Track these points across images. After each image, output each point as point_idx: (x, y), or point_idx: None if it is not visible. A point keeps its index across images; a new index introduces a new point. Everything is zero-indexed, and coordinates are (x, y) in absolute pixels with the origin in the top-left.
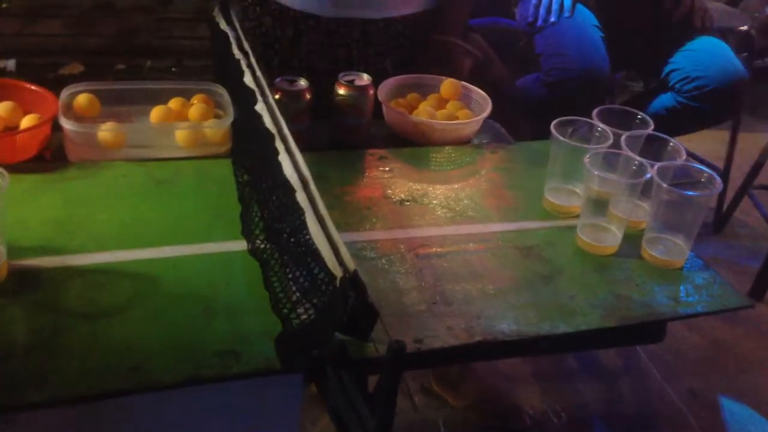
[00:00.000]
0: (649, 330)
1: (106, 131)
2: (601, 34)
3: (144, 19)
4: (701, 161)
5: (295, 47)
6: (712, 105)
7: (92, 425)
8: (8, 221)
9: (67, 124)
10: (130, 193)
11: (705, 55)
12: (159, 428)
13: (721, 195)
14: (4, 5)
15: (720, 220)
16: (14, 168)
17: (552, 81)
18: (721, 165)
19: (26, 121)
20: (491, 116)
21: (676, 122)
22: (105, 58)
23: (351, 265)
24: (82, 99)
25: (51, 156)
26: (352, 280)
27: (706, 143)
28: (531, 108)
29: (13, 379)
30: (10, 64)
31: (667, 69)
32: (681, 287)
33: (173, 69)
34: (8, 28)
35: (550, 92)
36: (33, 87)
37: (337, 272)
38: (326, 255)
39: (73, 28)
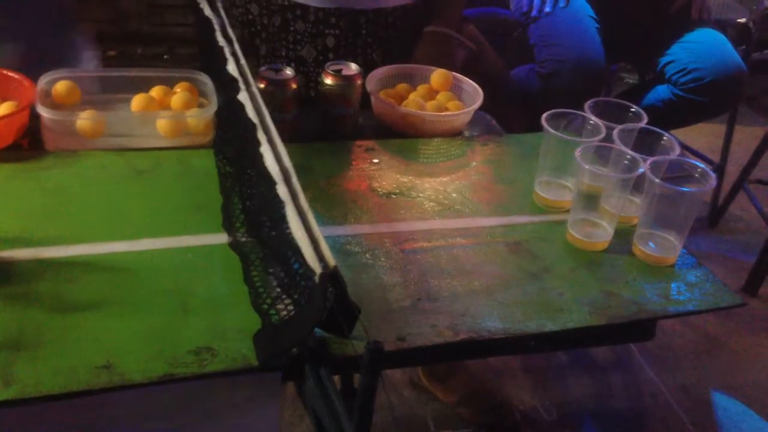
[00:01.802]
0: (639, 328)
1: (84, 119)
2: (597, 25)
3: (136, 5)
4: (697, 155)
5: (283, 36)
6: (709, 98)
7: (64, 421)
8: None
9: (44, 111)
10: (108, 183)
11: (702, 47)
12: (134, 424)
13: (717, 189)
14: None
15: (715, 215)
16: None
17: (546, 72)
18: (717, 159)
19: (2, 109)
20: (484, 108)
21: (672, 115)
22: (100, 71)
23: (331, 260)
24: (61, 86)
25: (28, 145)
26: (332, 276)
27: (703, 136)
28: (525, 99)
29: None
30: None
31: (663, 61)
32: (672, 285)
33: (165, 56)
34: None
35: (544, 83)
36: (10, 73)
37: (317, 268)
38: (306, 250)
39: (60, 15)
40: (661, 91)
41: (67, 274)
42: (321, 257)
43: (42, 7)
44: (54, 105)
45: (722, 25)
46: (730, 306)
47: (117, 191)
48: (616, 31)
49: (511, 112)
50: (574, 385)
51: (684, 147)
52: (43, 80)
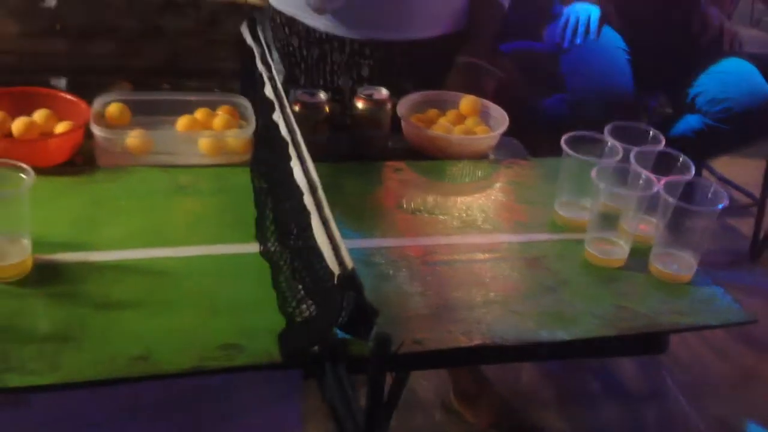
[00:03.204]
0: (650, 342)
1: (133, 138)
2: (627, 57)
3: (190, 42)
4: (738, 189)
5: (321, 67)
6: (738, 127)
7: (100, 408)
8: (37, 219)
9: (97, 130)
10: (152, 196)
11: (731, 77)
12: (166, 414)
13: (758, 222)
14: (57, 27)
15: (757, 248)
16: (47, 171)
17: (575, 100)
18: (758, 193)
19: (60, 128)
20: (512, 134)
21: (703, 144)
22: (152, 78)
23: (349, 263)
24: (113, 108)
25: (82, 161)
26: (349, 277)
27: (745, 171)
28: (555, 127)
29: (29, 362)
30: (62, 82)
31: (693, 92)
32: (685, 301)
33: (216, 90)
34: (61, 48)
35: (574, 111)
36: (68, 96)
37: (336, 270)
38: (327, 254)
39: (122, 49)
40: (691, 121)
41: (111, 275)
42: (341, 261)
43: None
44: (106, 125)
45: (757, 58)
46: (741, 322)
47: (160, 204)
48: (648, 63)
49: (541, 138)
50: (607, 415)
51: (725, 181)
52: (98, 102)
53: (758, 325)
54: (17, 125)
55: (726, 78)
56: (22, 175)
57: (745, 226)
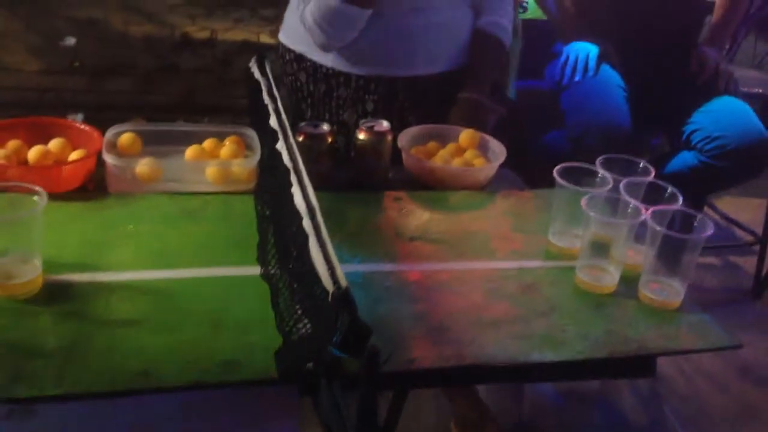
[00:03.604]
0: (638, 365)
1: (143, 166)
2: (625, 94)
3: (205, 79)
4: (740, 227)
5: (327, 101)
6: (733, 164)
7: (104, 422)
8: (49, 241)
9: (109, 158)
10: (160, 221)
11: (725, 116)
12: (167, 427)
13: (761, 260)
14: (75, 64)
15: (759, 286)
16: (60, 197)
17: (574, 136)
18: (760, 231)
19: (74, 156)
20: (513, 169)
21: (697, 181)
22: (167, 115)
23: (343, 282)
24: (125, 138)
25: (93, 187)
26: (343, 296)
27: (748, 210)
28: (555, 162)
29: (36, 374)
30: (78, 118)
31: (688, 129)
32: (673, 326)
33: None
34: (78, 85)
35: (573, 147)
36: (82, 126)
37: (331, 288)
38: (323, 274)
39: (139, 86)
40: (687, 158)
41: (117, 295)
42: (335, 281)
43: None
44: (118, 153)
45: (751, 98)
46: (727, 347)
47: (167, 229)
48: (645, 100)
49: (540, 172)
50: None
51: (728, 219)
52: (110, 132)
53: (760, 361)
54: (33, 153)
55: (720, 116)
56: (36, 198)
57: (748, 264)
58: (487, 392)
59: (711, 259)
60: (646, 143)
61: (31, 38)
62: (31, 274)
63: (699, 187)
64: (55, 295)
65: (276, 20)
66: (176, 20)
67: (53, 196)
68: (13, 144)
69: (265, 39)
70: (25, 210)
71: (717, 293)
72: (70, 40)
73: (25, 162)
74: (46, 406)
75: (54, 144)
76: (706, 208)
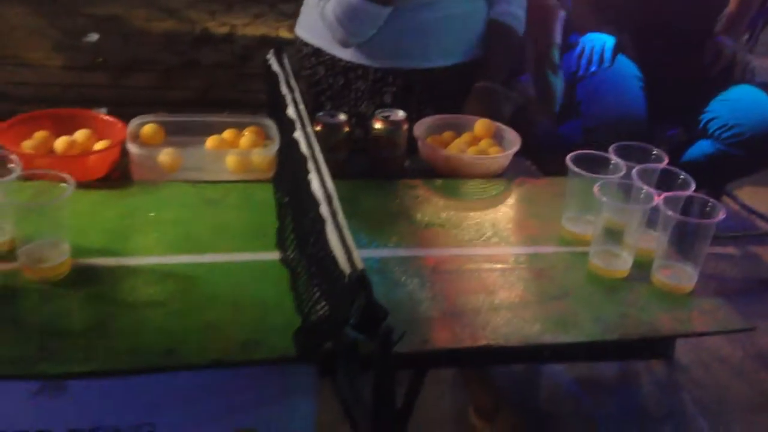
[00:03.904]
0: (652, 347)
1: (165, 155)
2: (641, 84)
3: (224, 75)
4: (760, 216)
5: (345, 94)
6: (749, 152)
7: (131, 398)
8: (76, 228)
9: (132, 148)
10: (181, 209)
11: (742, 104)
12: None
13: None
14: (99, 60)
15: None
16: (86, 185)
17: (590, 126)
18: None
19: (99, 146)
20: (527, 156)
21: (714, 169)
22: (188, 109)
23: (360, 264)
24: (147, 128)
25: (118, 176)
26: (359, 277)
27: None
28: (569, 152)
29: (67, 352)
30: (102, 112)
31: (705, 117)
32: (686, 310)
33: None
34: (100, 81)
35: (588, 137)
36: (106, 117)
37: (347, 270)
38: (340, 257)
39: (160, 82)
40: (704, 146)
41: (142, 279)
42: (352, 263)
43: None
44: (141, 143)
45: (767, 87)
46: (739, 329)
47: (188, 216)
48: (661, 90)
49: (555, 161)
50: None
51: (748, 209)
52: (134, 123)
53: None
54: (59, 143)
55: (737, 105)
56: (64, 185)
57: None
58: (504, 381)
59: (730, 249)
60: (662, 134)
61: (55, 35)
62: (60, 258)
63: (716, 175)
64: (82, 278)
65: (294, 15)
66: (196, 16)
67: (79, 185)
68: (40, 135)
69: (284, 34)
70: (54, 197)
71: (736, 283)
72: (93, 37)
73: (52, 152)
74: (75, 383)
75: (80, 134)
76: (726, 198)
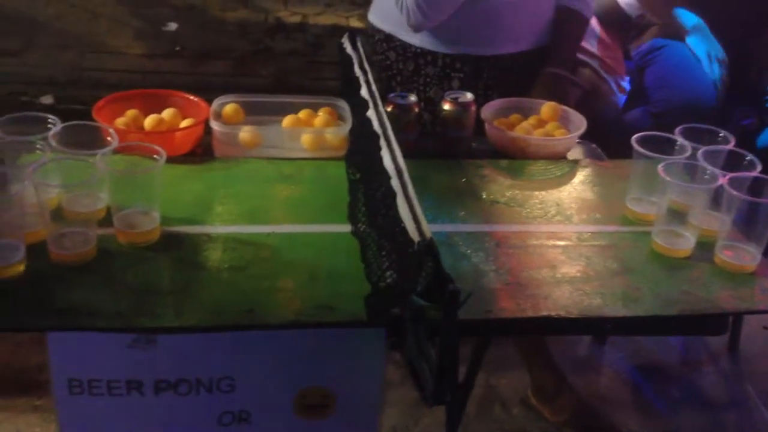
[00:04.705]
0: (710, 323)
1: (245, 133)
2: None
3: (296, 62)
4: None
5: (415, 79)
6: None
7: (213, 353)
8: (164, 199)
9: (215, 126)
10: (260, 183)
11: None
12: (265, 362)
13: None
14: (177, 48)
15: None
16: (172, 160)
17: (657, 111)
18: None
19: (185, 124)
20: (591, 140)
21: None
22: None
23: (428, 233)
24: (229, 108)
25: (201, 152)
26: (428, 245)
27: None
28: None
29: (156, 309)
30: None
31: None
32: (747, 288)
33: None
34: (178, 68)
35: (656, 122)
36: (192, 97)
37: (416, 238)
38: (410, 227)
39: (235, 69)
40: None
41: (224, 246)
42: (421, 233)
43: None
44: (223, 122)
45: None
46: None
47: (267, 190)
48: (739, 74)
49: (620, 145)
50: (684, 420)
51: None
52: (216, 102)
53: None
54: (148, 121)
55: None
56: (156, 156)
57: None
58: (566, 365)
59: None
60: (735, 120)
61: (136, 24)
62: (150, 224)
63: None
64: (170, 243)
65: (365, 5)
66: (270, 5)
67: (167, 159)
68: (131, 113)
69: (355, 23)
70: (147, 168)
71: None
72: (172, 26)
73: (142, 129)
74: (165, 337)
75: (167, 113)
76: None
